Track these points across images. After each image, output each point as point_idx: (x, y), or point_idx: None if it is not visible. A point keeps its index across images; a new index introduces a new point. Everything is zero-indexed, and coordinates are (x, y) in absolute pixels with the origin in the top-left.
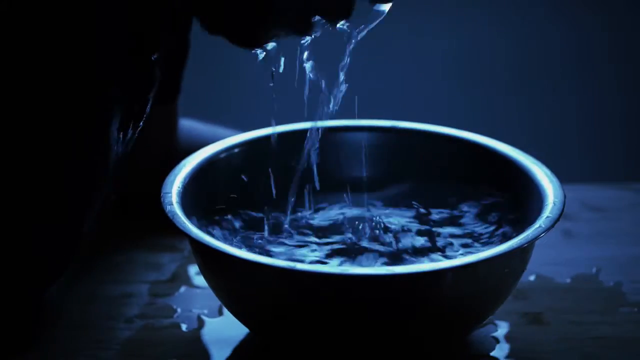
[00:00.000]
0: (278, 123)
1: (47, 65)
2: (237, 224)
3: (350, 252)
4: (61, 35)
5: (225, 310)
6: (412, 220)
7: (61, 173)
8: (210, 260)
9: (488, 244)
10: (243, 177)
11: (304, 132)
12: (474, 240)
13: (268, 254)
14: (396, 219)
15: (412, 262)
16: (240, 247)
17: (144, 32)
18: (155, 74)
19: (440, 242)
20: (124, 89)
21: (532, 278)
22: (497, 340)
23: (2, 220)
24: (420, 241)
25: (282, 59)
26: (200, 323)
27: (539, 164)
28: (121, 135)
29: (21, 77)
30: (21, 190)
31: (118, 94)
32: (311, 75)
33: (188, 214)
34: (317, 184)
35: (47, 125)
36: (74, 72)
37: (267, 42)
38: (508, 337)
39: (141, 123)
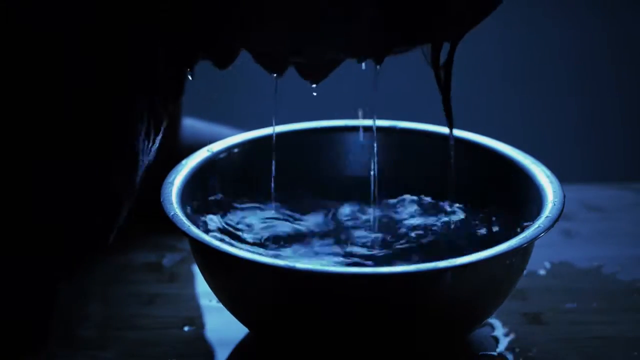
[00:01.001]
0: (279, 123)
1: (78, 75)
2: (238, 224)
3: (351, 251)
4: (92, 43)
5: (225, 310)
6: (411, 219)
7: (90, 185)
8: (210, 260)
9: (488, 243)
10: (243, 176)
11: (304, 132)
12: (474, 240)
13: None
14: (396, 218)
15: (411, 262)
16: (240, 247)
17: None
18: (184, 82)
19: (439, 242)
20: (152, 98)
21: (532, 278)
22: (497, 340)
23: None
24: (419, 240)
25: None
26: (200, 323)
27: (539, 164)
28: (147, 144)
29: (45, 88)
30: (50, 197)
31: (145, 103)
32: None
33: (188, 213)
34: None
35: (73, 137)
36: (104, 82)
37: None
38: (508, 337)
39: (161, 129)
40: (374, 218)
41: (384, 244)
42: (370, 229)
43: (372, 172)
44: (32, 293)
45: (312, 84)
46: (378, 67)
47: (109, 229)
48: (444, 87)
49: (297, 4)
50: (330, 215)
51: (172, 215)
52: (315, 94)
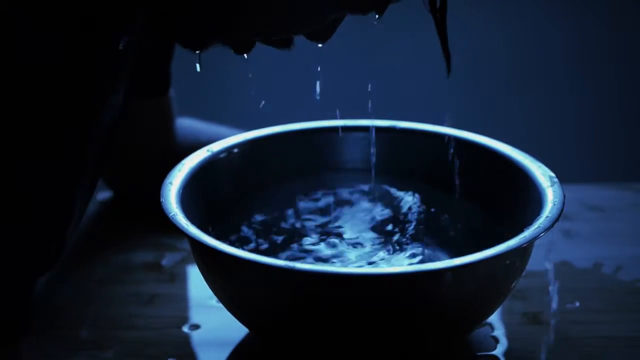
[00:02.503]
0: (278, 123)
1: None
2: (238, 224)
3: (351, 251)
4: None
5: (225, 310)
6: (411, 218)
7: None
8: (210, 260)
9: (488, 243)
10: (243, 176)
11: (304, 132)
12: (474, 240)
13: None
14: (395, 217)
15: (411, 262)
16: (240, 247)
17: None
18: (170, 77)
19: (439, 242)
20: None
21: (532, 278)
22: (497, 340)
23: None
24: (419, 239)
25: None
26: (200, 323)
27: (539, 164)
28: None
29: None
30: (4, 176)
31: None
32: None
33: (188, 214)
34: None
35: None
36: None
37: (206, 49)
38: (508, 337)
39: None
40: (374, 217)
41: (382, 243)
42: (370, 227)
43: (364, 173)
44: (8, 286)
45: (320, 44)
46: (378, 18)
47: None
48: (441, 30)
49: None
50: (330, 215)
51: (172, 215)
52: (316, 95)
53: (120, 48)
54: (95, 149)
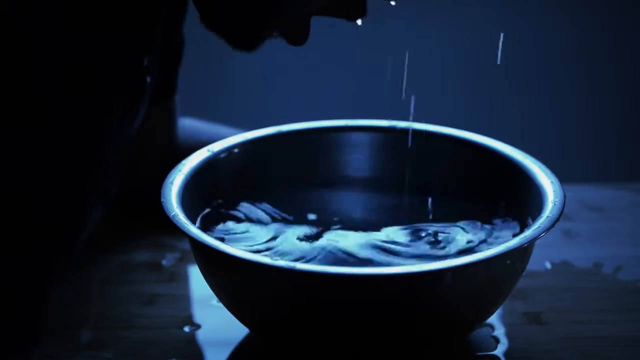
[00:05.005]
0: (279, 123)
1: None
2: (238, 223)
3: (351, 250)
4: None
5: (225, 310)
6: (411, 219)
7: (58, 170)
8: (211, 260)
9: (488, 243)
10: (243, 176)
11: (304, 132)
12: (474, 239)
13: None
14: (395, 217)
15: (411, 262)
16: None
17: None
18: (177, 81)
19: (439, 242)
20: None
21: (532, 278)
22: (497, 340)
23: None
24: (419, 240)
25: None
26: (200, 323)
27: (539, 164)
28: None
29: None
30: (20, 188)
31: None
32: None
33: (188, 214)
34: None
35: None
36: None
37: (262, 43)
38: (508, 337)
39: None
40: (374, 216)
41: (382, 244)
42: (371, 226)
43: (365, 174)
44: (23, 294)
45: (359, 20)
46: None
47: (85, 227)
48: None
49: None
50: (329, 214)
51: (173, 215)
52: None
53: (145, 64)
54: (108, 160)
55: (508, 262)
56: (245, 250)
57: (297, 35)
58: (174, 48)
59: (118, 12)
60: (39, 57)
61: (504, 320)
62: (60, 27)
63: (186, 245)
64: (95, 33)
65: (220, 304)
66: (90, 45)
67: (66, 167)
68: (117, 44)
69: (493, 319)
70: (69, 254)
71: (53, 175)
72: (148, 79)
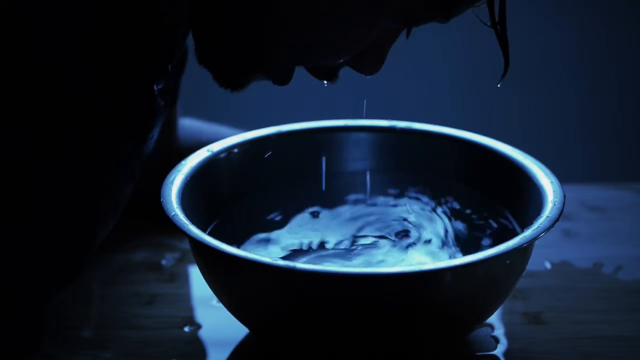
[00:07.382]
0: (279, 122)
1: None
2: (238, 223)
3: (351, 249)
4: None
5: (225, 310)
6: (411, 219)
7: (66, 176)
8: (210, 260)
9: (487, 243)
10: (243, 176)
11: (304, 132)
12: (474, 239)
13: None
14: (395, 217)
15: (411, 262)
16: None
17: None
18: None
19: (439, 242)
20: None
21: (532, 278)
22: (497, 340)
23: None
24: (419, 240)
25: None
26: (200, 323)
27: (539, 164)
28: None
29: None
30: (31, 194)
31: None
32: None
33: (188, 214)
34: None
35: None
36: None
37: (247, 85)
38: (508, 337)
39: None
40: (374, 216)
41: (382, 242)
42: (370, 225)
43: (365, 173)
44: (25, 298)
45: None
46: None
47: (98, 233)
48: (502, 42)
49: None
50: (328, 214)
51: (173, 215)
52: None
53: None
54: (122, 179)
55: (508, 262)
56: (245, 250)
57: (281, 79)
58: (178, 61)
59: (136, 48)
60: (56, 87)
61: (504, 320)
62: (80, 59)
63: (186, 245)
64: (112, 65)
65: (220, 304)
66: (104, 77)
67: (82, 186)
68: (131, 75)
69: (493, 319)
70: (84, 262)
71: (70, 192)
72: (162, 102)
